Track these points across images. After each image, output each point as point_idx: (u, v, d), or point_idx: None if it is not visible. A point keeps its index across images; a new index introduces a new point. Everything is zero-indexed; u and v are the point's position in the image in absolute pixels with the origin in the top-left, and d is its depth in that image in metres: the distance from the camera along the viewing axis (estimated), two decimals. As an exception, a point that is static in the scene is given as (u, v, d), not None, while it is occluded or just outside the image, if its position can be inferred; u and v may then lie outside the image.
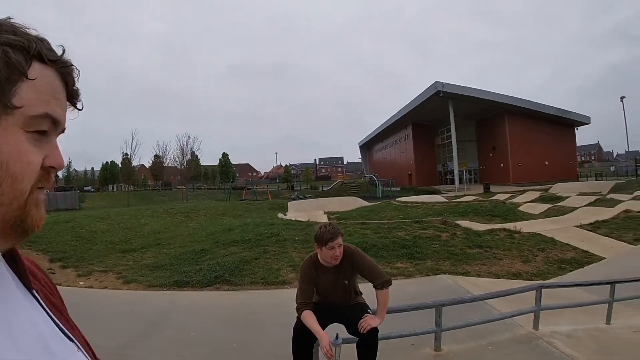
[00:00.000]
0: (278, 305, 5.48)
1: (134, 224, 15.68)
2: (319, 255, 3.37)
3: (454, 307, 4.41)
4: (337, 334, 3.20)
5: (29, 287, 0.67)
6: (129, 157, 57.34)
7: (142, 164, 76.44)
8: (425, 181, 50.37)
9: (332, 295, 3.47)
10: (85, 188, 73.27)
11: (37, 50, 0.58)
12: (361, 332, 3.27)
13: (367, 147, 79.29)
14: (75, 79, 0.63)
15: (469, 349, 4.19)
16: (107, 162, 76.13)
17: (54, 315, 0.67)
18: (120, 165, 63.44)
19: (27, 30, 0.58)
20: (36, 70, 0.57)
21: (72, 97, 0.64)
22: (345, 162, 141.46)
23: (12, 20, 0.58)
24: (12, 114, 0.55)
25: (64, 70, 0.61)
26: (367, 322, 3.27)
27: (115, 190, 70.74)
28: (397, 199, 22.90)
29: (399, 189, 46.20)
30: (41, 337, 0.61)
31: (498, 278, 7.00)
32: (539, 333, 4.34)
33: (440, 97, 40.51)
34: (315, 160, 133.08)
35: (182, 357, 4.44)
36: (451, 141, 43.73)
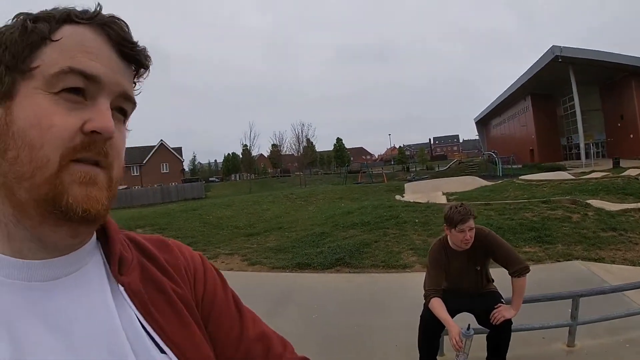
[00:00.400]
0: (399, 290, 5.38)
1: (256, 210, 16.40)
2: (448, 238, 3.17)
3: (590, 298, 3.95)
4: (469, 325, 2.97)
5: (117, 280, 0.60)
6: (248, 147, 60.55)
7: (261, 154, 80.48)
8: (548, 157, 46.34)
9: (462, 282, 3.27)
10: (210, 179, 78.41)
11: (65, 14, 0.54)
12: (493, 323, 3.04)
13: (483, 122, 75.17)
14: (122, 31, 0.56)
15: (605, 345, 3.74)
16: (229, 154, 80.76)
17: (143, 313, 0.59)
18: (241, 156, 67.20)
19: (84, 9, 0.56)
20: (64, 31, 0.53)
21: (126, 51, 0.57)
22: (461, 140, 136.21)
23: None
24: (31, 76, 0.51)
25: (102, 24, 0.55)
26: (501, 313, 3.03)
27: (237, 179, 74.80)
28: (520, 177, 21.43)
29: (520, 166, 43.24)
30: (112, 343, 0.53)
31: (634, 265, 6.20)
32: None
33: (558, 63, 36.72)
34: (429, 139, 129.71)
35: (304, 338, 4.49)
36: (574, 111, 39.69)
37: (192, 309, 0.65)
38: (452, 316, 3.07)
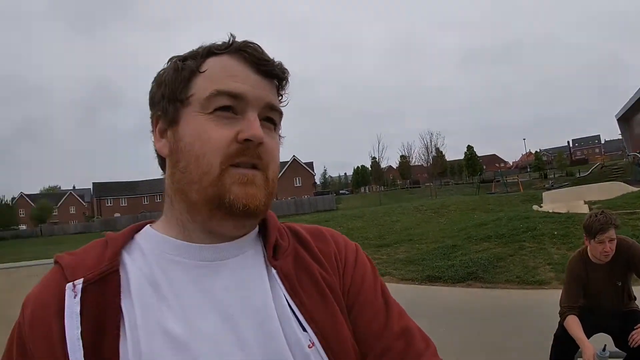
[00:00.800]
0: (535, 307, 5.14)
1: (386, 221, 16.49)
2: (588, 250, 2.98)
3: None
4: (605, 346, 2.77)
5: (272, 264, 0.68)
6: (377, 160, 60.95)
7: (390, 165, 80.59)
8: None
9: (601, 298, 3.04)
10: (340, 191, 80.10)
11: (207, 50, 0.66)
12: (632, 345, 2.77)
13: (626, 119, 66.81)
14: (256, 52, 0.66)
15: None
16: (358, 167, 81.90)
17: (290, 294, 0.65)
18: (370, 168, 67.82)
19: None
20: (208, 63, 0.65)
21: (263, 68, 0.67)
22: (602, 141, 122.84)
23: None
24: (189, 103, 0.64)
25: (238, 50, 0.66)
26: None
27: (367, 191, 75.51)
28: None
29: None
30: (262, 321, 0.61)
31: None
32: None
33: None
34: (568, 142, 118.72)
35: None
36: None
37: (337, 294, 0.69)
38: (588, 336, 2.88)
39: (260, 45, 0.68)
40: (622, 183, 24.18)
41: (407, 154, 66.88)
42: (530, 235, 9.18)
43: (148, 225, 0.70)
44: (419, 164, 64.11)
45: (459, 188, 57.79)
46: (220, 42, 0.67)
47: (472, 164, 69.74)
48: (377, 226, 15.46)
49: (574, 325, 2.84)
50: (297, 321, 0.63)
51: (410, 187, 67.91)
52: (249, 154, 0.63)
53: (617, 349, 2.95)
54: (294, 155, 65.09)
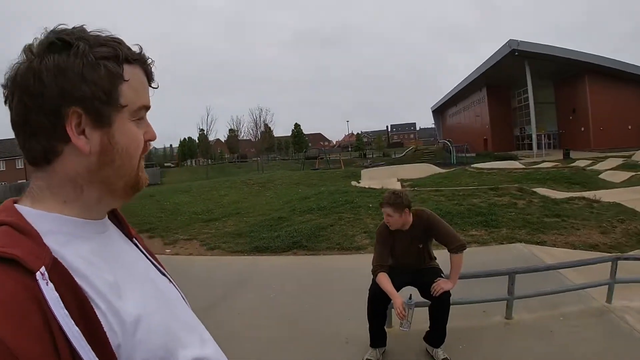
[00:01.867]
0: (353, 270, 5.66)
1: (214, 196, 16.45)
2: None
3: (528, 276, 4.41)
4: (410, 295, 3.39)
5: (130, 237, 0.89)
6: (205, 132, 59.78)
7: (218, 139, 79.59)
8: (502, 146, 48.25)
9: (406, 259, 3.61)
10: (165, 164, 77.14)
11: (124, 56, 0.72)
12: (433, 295, 3.40)
13: (440, 111, 76.97)
14: (150, 67, 0.78)
15: (540, 318, 4.19)
16: (184, 139, 79.43)
17: (150, 257, 0.90)
18: (197, 141, 66.25)
19: (107, 36, 0.72)
20: (127, 71, 0.72)
21: (151, 81, 0.79)
22: (418, 128, 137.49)
23: (89, 29, 0.71)
24: (122, 111, 0.71)
25: (145, 64, 0.76)
26: (440, 285, 3.40)
27: (194, 164, 73.85)
28: (472, 166, 22.32)
29: (474, 155, 44.58)
30: (144, 268, 0.82)
31: (575, 249, 6.78)
32: (612, 307, 4.24)
33: (515, 57, 38.17)
34: (387, 127, 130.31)
35: (262, 316, 4.83)
36: (528, 104, 41.61)
37: None
38: (398, 290, 3.45)
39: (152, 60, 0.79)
40: (431, 165, 27.42)
41: (236, 128, 66.67)
42: (349, 207, 10.07)
43: (17, 205, 0.69)
44: (248, 138, 64.35)
45: (285, 163, 59.65)
46: (129, 48, 0.73)
47: (299, 141, 72.43)
48: (205, 200, 15.33)
49: (384, 280, 3.39)
50: (159, 270, 0.89)
51: (238, 162, 68.12)
52: (147, 149, 0.79)
53: (422, 299, 3.57)
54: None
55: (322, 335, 4.19)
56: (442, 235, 3.54)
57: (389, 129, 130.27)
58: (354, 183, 18.11)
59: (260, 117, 59.41)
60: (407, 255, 3.62)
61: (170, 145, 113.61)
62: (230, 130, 69.38)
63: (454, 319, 3.61)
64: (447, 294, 3.45)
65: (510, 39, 38.41)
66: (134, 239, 0.89)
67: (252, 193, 17.19)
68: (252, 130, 59.43)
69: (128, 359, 0.64)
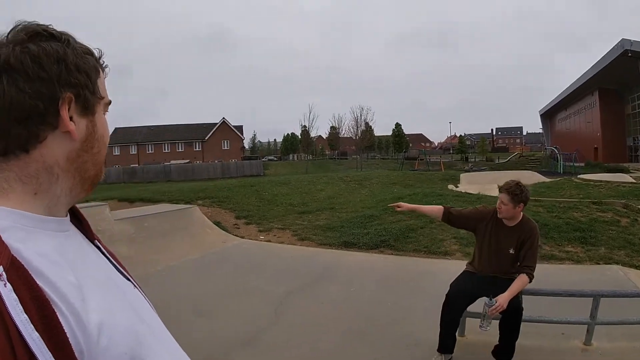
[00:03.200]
0: (436, 275, 5.54)
1: (311, 189, 16.83)
2: None
3: (616, 301, 4.03)
4: (491, 296, 3.25)
5: (92, 238, 0.86)
6: (307, 128, 61.11)
7: (320, 135, 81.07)
8: (613, 157, 43.41)
9: (492, 259, 3.51)
10: (268, 157, 79.96)
11: (98, 57, 0.78)
12: (491, 313, 3.24)
13: (548, 115, 71.59)
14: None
15: (620, 348, 3.80)
16: (288, 134, 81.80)
17: (113, 261, 0.87)
18: (299, 137, 67.91)
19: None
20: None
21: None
22: (524, 133, 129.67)
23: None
24: (99, 102, 0.76)
25: (103, 67, 0.80)
26: (500, 303, 3.18)
27: (295, 159, 75.86)
28: (578, 176, 20.67)
29: (582, 164, 41.21)
30: (106, 272, 0.79)
31: None
32: None
33: (628, 58, 34.29)
34: (492, 130, 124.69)
35: (340, 308, 4.90)
36: (643, 110, 37.41)
37: None
38: (475, 298, 3.39)
39: None
40: (536, 173, 25.98)
41: (337, 126, 67.48)
42: (442, 210, 9.81)
43: None
44: (348, 136, 64.84)
45: (384, 163, 59.43)
46: (97, 54, 0.79)
47: (399, 141, 71.61)
48: (302, 194, 15.75)
49: (431, 207, 3.84)
50: (122, 275, 0.86)
51: (337, 158, 68.94)
52: None
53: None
54: (223, 118, 63.65)
55: (394, 334, 4.16)
56: (528, 251, 3.37)
57: (494, 132, 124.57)
58: (450, 187, 17.62)
59: (361, 115, 59.55)
60: (495, 256, 3.49)
61: (275, 139, 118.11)
62: (332, 128, 70.37)
63: (530, 336, 3.44)
64: (519, 309, 3.30)
65: (622, 39, 34.55)
66: (96, 241, 0.87)
67: (348, 190, 17.36)
68: (353, 128, 59.72)
69: None
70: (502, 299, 3.19)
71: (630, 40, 33.79)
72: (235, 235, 9.06)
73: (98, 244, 0.87)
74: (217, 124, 62.92)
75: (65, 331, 0.57)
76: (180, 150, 61.48)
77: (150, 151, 61.41)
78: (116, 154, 59.82)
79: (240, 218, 10.84)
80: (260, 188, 15.84)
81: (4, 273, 0.54)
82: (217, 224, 9.66)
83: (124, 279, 0.84)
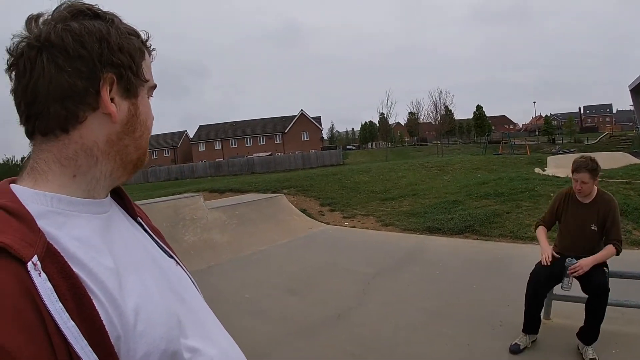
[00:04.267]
0: (522, 259, 5.45)
1: (392, 177, 16.82)
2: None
3: None
4: (573, 257, 3.33)
5: (134, 216, 0.87)
6: (385, 116, 60.65)
7: (398, 122, 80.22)
8: None
9: (575, 239, 3.53)
10: (347, 146, 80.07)
11: (145, 39, 0.78)
12: (574, 275, 3.32)
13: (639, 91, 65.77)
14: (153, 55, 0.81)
15: None
16: (366, 122, 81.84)
17: (156, 237, 0.88)
18: (377, 124, 67.57)
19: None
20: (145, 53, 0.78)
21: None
22: (614, 111, 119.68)
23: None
24: (143, 85, 0.76)
25: (149, 50, 0.80)
26: (580, 264, 3.28)
27: (374, 147, 75.43)
28: (676, 156, 19.00)
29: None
30: (148, 251, 0.79)
31: None
32: None
33: None
34: (579, 109, 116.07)
35: (424, 289, 5.08)
36: None
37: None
38: (558, 281, 3.46)
39: None
40: (627, 154, 24.15)
41: (415, 111, 66.28)
42: (528, 195, 9.56)
43: (14, 185, 0.67)
44: (427, 121, 63.45)
45: (466, 147, 57.74)
46: (144, 36, 0.79)
47: (481, 124, 69.15)
48: (383, 181, 15.78)
49: (541, 233, 3.61)
50: (165, 252, 0.86)
51: (417, 145, 67.83)
52: None
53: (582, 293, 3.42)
54: (301, 110, 64.60)
55: (478, 315, 4.26)
56: (611, 224, 3.39)
57: (582, 111, 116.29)
58: (537, 170, 16.89)
59: (439, 99, 57.97)
60: (578, 236, 3.52)
61: (352, 128, 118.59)
62: (410, 114, 69.19)
63: (615, 321, 3.41)
64: (605, 290, 3.25)
65: None
66: (139, 218, 0.88)
67: (430, 176, 17.18)
68: (432, 113, 58.37)
69: (128, 351, 0.61)
70: (585, 261, 3.27)
71: None
72: (320, 222, 9.39)
73: (140, 221, 0.87)
74: (295, 116, 64.12)
75: (102, 318, 0.58)
76: (262, 143, 63.32)
77: (233, 146, 63.82)
78: (202, 150, 64.15)
79: (324, 205, 11.15)
80: (342, 176, 16.06)
81: (39, 262, 0.54)
82: (303, 211, 10.04)
83: (167, 256, 0.85)
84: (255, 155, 53.58)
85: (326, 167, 34.30)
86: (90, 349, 0.55)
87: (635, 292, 3.77)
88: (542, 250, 3.40)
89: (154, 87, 0.80)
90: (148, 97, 0.78)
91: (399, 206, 10.77)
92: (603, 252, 3.35)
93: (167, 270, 0.79)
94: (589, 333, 3.36)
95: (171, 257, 0.86)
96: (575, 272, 3.27)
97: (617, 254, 3.35)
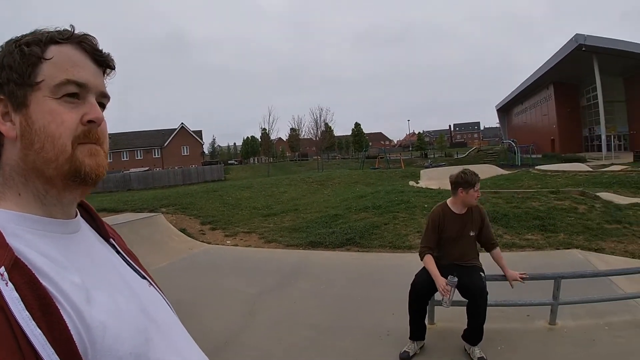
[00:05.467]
0: (402, 268, 5.69)
1: (274, 192, 16.87)
2: (456, 200, 3.73)
3: (577, 283, 4.29)
4: (455, 273, 3.47)
5: (106, 237, 0.85)
6: (267, 131, 60.99)
7: (280, 137, 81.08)
8: (570, 147, 45.58)
9: (456, 246, 3.72)
10: (229, 161, 79.36)
11: (48, 37, 0.71)
12: (512, 286, 3.71)
13: (505, 110, 74.18)
14: (93, 45, 0.75)
15: (584, 326, 4.07)
16: (248, 137, 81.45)
17: (129, 259, 0.86)
18: (259, 140, 67.68)
19: (49, 28, 0.73)
20: (52, 50, 0.70)
21: (98, 59, 0.75)
22: (482, 128, 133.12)
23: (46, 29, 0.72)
24: (39, 88, 0.68)
25: (78, 42, 0.73)
26: (514, 276, 3.73)
27: (256, 162, 75.48)
28: (536, 167, 21.51)
29: (539, 156, 42.89)
30: (118, 271, 0.78)
31: (634, 258, 6.44)
32: None
33: (582, 52, 35.94)
34: (449, 126, 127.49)
35: (312, 305, 5.04)
36: (597, 102, 39.28)
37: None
38: (437, 291, 3.58)
39: (95, 37, 0.76)
40: (494, 166, 26.80)
41: (297, 127, 67.57)
42: (404, 207, 10.06)
43: None
44: (308, 137, 64.94)
45: (345, 162, 59.96)
46: (61, 31, 0.73)
47: (359, 140, 72.33)
48: (265, 196, 15.77)
49: (430, 262, 3.57)
50: (138, 273, 0.85)
51: (298, 160, 69.06)
52: (92, 134, 0.72)
53: (462, 298, 3.61)
54: (182, 123, 62.52)
55: (366, 326, 4.33)
56: (487, 227, 3.76)
57: (452, 129, 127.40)
58: (412, 183, 18.01)
59: (320, 116, 59.81)
60: (458, 242, 3.72)
61: (234, 143, 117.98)
62: (292, 130, 70.50)
63: (495, 320, 3.65)
64: (484, 292, 3.50)
65: (576, 34, 36.04)
66: (111, 240, 0.87)
67: (311, 191, 17.49)
68: (313, 129, 59.92)
69: None
70: (513, 274, 3.71)
71: (584, 34, 35.28)
72: (201, 242, 9.04)
73: (113, 242, 0.87)
74: (176, 129, 61.78)
75: (69, 328, 0.58)
76: (139, 157, 59.90)
77: (108, 160, 59.83)
78: (74, 165, 58.33)
79: (205, 224, 10.81)
80: (224, 193, 15.78)
81: (5, 273, 0.55)
82: (183, 230, 9.63)
83: (139, 277, 0.84)
84: (132, 170, 50.49)
85: (207, 182, 33.57)
86: (57, 357, 0.55)
87: (511, 292, 4.07)
88: (436, 281, 3.46)
89: (70, 82, 0.70)
90: (57, 98, 0.69)
91: (281, 222, 10.76)
92: (503, 260, 3.76)
93: (138, 290, 0.78)
94: (473, 334, 3.56)
95: (144, 278, 0.86)
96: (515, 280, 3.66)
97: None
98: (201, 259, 7.68)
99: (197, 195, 14.73)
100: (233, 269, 6.90)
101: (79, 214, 0.79)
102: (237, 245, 8.77)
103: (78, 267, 0.67)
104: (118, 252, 0.85)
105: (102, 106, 0.77)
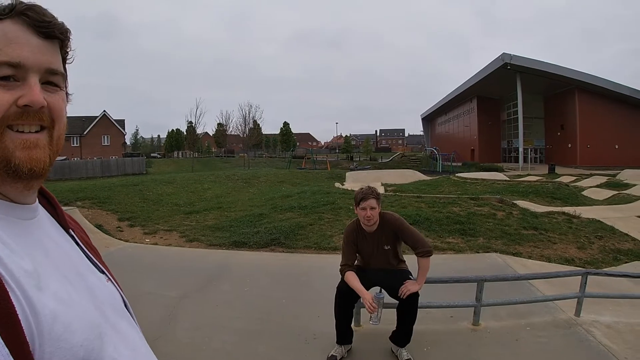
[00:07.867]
0: (327, 269, 5.69)
1: (197, 189, 16.45)
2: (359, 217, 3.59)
3: (498, 285, 4.48)
4: (380, 289, 3.44)
5: (66, 227, 0.82)
6: (193, 125, 59.40)
7: (206, 132, 78.97)
8: (488, 158, 48.80)
9: (374, 260, 3.66)
10: (151, 154, 76.55)
11: None
12: (401, 296, 3.44)
13: (429, 119, 77.97)
14: (37, 16, 0.66)
15: (507, 326, 4.23)
16: (172, 130, 78.81)
17: (89, 252, 0.83)
18: (185, 133, 65.75)
19: None
20: None
21: (43, 31, 0.67)
22: (406, 135, 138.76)
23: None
24: None
25: (18, 14, 0.65)
26: (407, 287, 3.44)
27: (180, 156, 73.37)
28: (456, 175, 22.53)
29: (460, 164, 45.27)
30: (73, 262, 0.74)
31: (549, 262, 6.87)
32: (580, 320, 4.27)
33: (507, 70, 38.77)
34: (376, 131, 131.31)
35: (235, 308, 4.86)
36: (517, 117, 42.18)
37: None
38: (367, 289, 3.51)
39: (42, 6, 0.68)
40: (416, 171, 27.77)
41: (224, 123, 66.29)
42: (330, 208, 10.15)
43: None
44: (236, 133, 63.94)
45: (272, 161, 59.69)
46: (2, 6, 0.66)
47: (287, 140, 72.43)
48: (188, 193, 15.36)
49: (352, 278, 3.45)
50: (95, 267, 0.81)
51: (224, 156, 67.92)
52: (31, 118, 0.65)
53: (392, 300, 3.60)
54: (104, 110, 58.64)
55: (292, 330, 4.24)
56: (410, 239, 3.57)
57: (378, 134, 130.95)
58: (337, 184, 18.23)
59: (249, 113, 59.09)
60: (375, 256, 3.66)
61: (158, 135, 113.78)
62: (219, 125, 68.96)
63: (421, 321, 3.66)
64: (415, 295, 3.48)
65: (503, 53, 38.80)
66: (71, 231, 0.82)
67: (236, 188, 17.21)
68: (241, 126, 59.05)
69: (44, 353, 0.57)
70: (413, 287, 3.44)
71: (510, 54, 37.78)
72: (118, 239, 8.56)
73: (73, 233, 0.83)
74: (97, 117, 57.88)
75: (17, 310, 0.55)
76: (56, 145, 56.11)
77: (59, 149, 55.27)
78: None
79: (123, 220, 10.31)
80: (144, 187, 15.17)
81: None
82: (99, 227, 9.11)
83: (97, 271, 0.81)
84: (47, 159, 47.24)
85: (128, 175, 32.13)
86: (1, 341, 0.51)
87: (436, 294, 4.19)
88: (362, 297, 3.36)
89: (3, 63, 0.63)
90: None
91: (204, 220, 10.49)
92: (423, 269, 3.52)
93: (93, 284, 0.75)
94: (402, 336, 3.58)
95: (103, 272, 0.82)
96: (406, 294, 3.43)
97: (430, 255, 3.54)
98: (117, 258, 7.19)
99: (115, 189, 14.05)
100: (152, 270, 6.51)
101: (37, 201, 0.76)
102: (156, 244, 8.38)
103: (30, 253, 0.64)
104: (77, 244, 0.82)
105: (55, 85, 0.70)
